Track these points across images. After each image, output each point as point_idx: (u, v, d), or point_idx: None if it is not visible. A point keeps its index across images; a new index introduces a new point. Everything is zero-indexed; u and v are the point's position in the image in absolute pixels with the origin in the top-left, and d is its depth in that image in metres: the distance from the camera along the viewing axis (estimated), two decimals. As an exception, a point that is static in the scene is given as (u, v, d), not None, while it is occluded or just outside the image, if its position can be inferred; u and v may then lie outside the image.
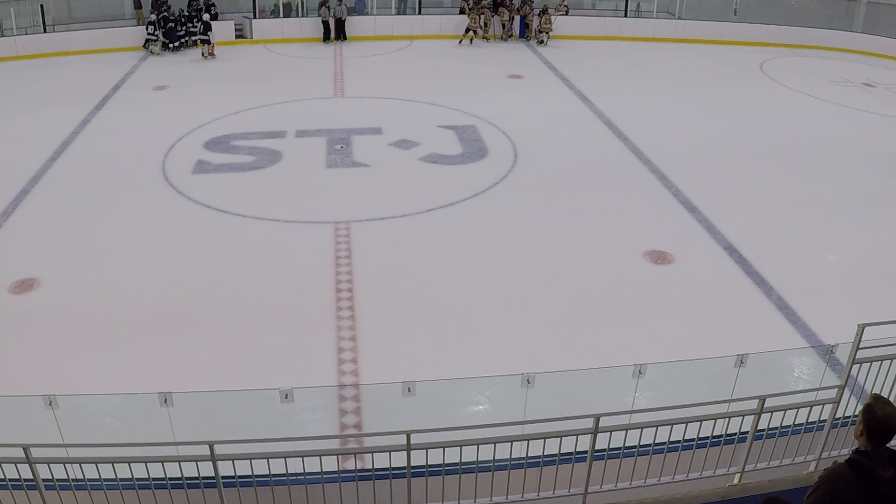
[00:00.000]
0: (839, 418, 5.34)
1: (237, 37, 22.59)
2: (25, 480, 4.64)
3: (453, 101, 16.86)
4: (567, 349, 8.29)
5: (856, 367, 5.15)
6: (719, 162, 13.81)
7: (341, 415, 7.33)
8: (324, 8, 22.67)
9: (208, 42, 20.90)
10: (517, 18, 23.44)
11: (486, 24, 23.09)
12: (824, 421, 5.34)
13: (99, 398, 6.97)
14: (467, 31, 22.79)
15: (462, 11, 23.96)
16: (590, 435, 4.82)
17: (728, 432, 5.35)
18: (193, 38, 21.44)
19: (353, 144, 14.34)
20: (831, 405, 5.27)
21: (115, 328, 8.66)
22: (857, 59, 21.95)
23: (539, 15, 22.88)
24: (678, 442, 5.08)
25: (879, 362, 5.21)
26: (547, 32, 22.77)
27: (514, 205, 11.92)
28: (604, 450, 5.07)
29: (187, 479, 4.77)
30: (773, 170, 13.40)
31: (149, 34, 20.89)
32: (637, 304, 9.25)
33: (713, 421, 5.08)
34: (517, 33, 23.42)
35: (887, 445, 3.44)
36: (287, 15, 23.49)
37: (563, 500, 5.11)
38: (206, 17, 20.95)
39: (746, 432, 5.23)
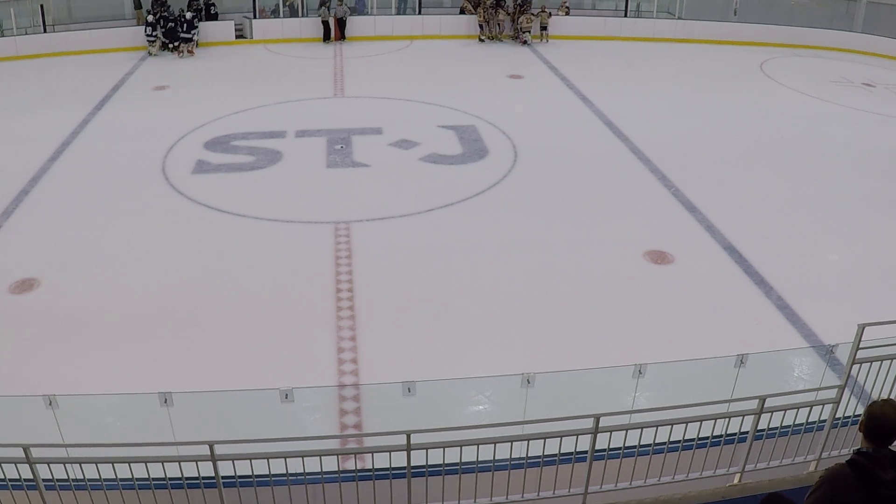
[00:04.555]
0: (839, 418, 5.34)
1: (237, 37, 22.57)
2: (25, 480, 4.64)
3: (453, 101, 16.86)
4: (567, 349, 8.29)
5: (856, 367, 5.15)
6: (719, 162, 13.81)
7: (341, 415, 7.33)
8: (324, 8, 22.67)
9: (190, 41, 20.96)
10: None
11: (488, 22, 23.12)
12: (824, 421, 5.34)
13: (99, 398, 6.97)
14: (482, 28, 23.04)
15: (462, 11, 23.97)
16: (590, 435, 4.82)
17: (728, 432, 5.35)
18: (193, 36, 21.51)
19: (353, 144, 14.34)
20: (831, 405, 5.27)
21: (114, 328, 8.66)
22: (857, 59, 21.94)
23: (520, 14, 22.81)
24: (678, 442, 5.08)
25: (879, 362, 5.21)
26: (528, 32, 22.70)
27: (514, 205, 11.92)
28: (604, 450, 5.07)
29: (187, 479, 4.77)
30: (772, 170, 13.40)
31: (147, 35, 20.88)
32: (637, 304, 9.25)
33: (713, 421, 5.08)
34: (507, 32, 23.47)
35: (889, 447, 3.44)
36: (293, 15, 23.49)
37: (563, 500, 5.11)
38: (188, 14, 20.95)
39: (746, 432, 5.23)
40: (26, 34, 21.12)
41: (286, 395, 5.80)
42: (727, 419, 5.18)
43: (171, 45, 21.20)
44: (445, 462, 4.77)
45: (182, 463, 4.68)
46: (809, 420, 5.27)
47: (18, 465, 4.55)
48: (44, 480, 4.63)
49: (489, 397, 7.49)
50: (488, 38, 23.09)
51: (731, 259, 10.29)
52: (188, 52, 21.03)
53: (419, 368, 7.61)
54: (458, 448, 4.74)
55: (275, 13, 23.49)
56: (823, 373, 7.26)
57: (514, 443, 4.84)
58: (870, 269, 10.14)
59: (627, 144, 14.52)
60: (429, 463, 4.77)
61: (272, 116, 15.94)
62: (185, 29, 20.94)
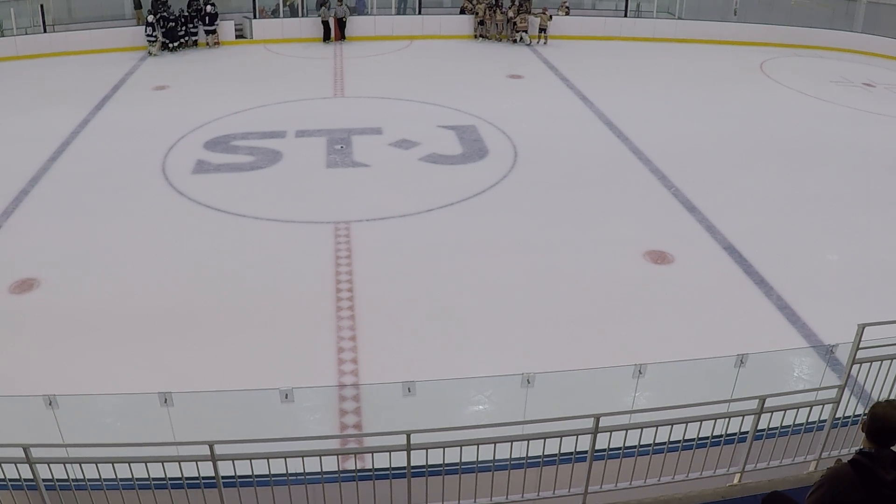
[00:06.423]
0: (839, 418, 5.34)
1: (237, 37, 22.58)
2: (25, 480, 4.64)
3: (453, 101, 16.86)
4: (567, 349, 8.29)
5: (856, 367, 5.15)
6: (719, 162, 13.81)
7: (341, 415, 7.33)
8: (324, 8, 22.67)
9: (214, 32, 21.74)
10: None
11: (482, 23, 23.13)
12: (824, 421, 5.34)
13: (99, 398, 6.97)
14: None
15: (462, 11, 23.97)
16: (590, 435, 4.82)
17: (728, 432, 5.35)
18: (194, 37, 21.59)
19: (353, 144, 14.34)
20: (831, 405, 5.27)
21: (115, 328, 8.66)
22: (857, 59, 21.95)
23: (516, 14, 22.82)
24: (678, 442, 5.08)
25: (879, 362, 5.21)
26: (526, 31, 22.72)
27: (514, 205, 11.92)
28: (604, 450, 5.07)
29: (187, 479, 4.77)
30: (773, 170, 13.40)
31: (147, 35, 20.88)
32: (637, 304, 9.25)
33: (713, 421, 5.08)
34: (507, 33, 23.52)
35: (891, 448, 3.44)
36: (293, 15, 23.49)
37: (563, 500, 5.11)
38: (209, 7, 21.45)
39: (746, 432, 5.23)
40: (26, 34, 21.12)
41: (286, 395, 5.79)
42: (727, 419, 5.18)
43: (170, 45, 21.22)
44: (445, 462, 4.77)
45: (182, 463, 4.68)
46: (809, 420, 5.27)
47: (18, 465, 4.55)
48: (44, 480, 4.63)
49: (489, 397, 7.49)
50: (483, 37, 23.12)
51: (731, 259, 10.28)
52: (214, 43, 21.79)
53: (419, 368, 7.62)
54: (458, 448, 4.74)
55: (275, 13, 23.48)
56: (823, 373, 7.26)
57: (514, 443, 4.83)
58: (870, 269, 10.14)
59: (627, 144, 14.52)
60: (429, 463, 4.77)
61: (272, 116, 15.94)
62: (207, 22, 21.66)
